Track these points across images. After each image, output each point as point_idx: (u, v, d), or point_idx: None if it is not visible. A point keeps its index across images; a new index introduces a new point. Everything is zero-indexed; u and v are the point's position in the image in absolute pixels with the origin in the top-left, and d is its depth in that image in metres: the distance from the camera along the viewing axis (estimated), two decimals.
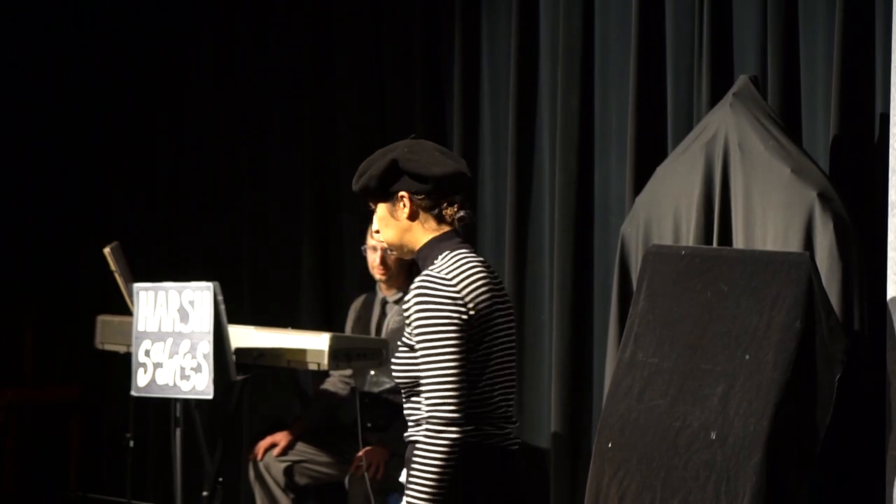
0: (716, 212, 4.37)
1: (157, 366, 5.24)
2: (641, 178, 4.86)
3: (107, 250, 4.92)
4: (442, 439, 3.24)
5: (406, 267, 5.54)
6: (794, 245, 4.11)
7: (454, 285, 3.29)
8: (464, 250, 3.37)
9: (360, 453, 5.18)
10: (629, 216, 4.70)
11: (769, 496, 3.72)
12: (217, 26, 6.60)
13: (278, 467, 5.40)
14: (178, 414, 5.21)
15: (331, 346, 4.75)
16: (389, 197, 3.42)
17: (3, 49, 6.94)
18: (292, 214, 6.29)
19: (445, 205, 3.41)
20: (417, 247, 3.43)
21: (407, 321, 3.33)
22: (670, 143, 4.97)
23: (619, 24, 5.21)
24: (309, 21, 6.24)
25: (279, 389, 6.21)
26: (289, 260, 6.29)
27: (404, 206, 3.41)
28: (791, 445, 3.77)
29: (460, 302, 3.28)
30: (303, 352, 4.80)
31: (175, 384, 5.07)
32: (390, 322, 5.52)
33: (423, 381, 3.28)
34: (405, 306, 3.33)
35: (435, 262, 3.36)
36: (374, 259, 5.49)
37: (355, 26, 6.10)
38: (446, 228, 3.41)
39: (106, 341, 5.54)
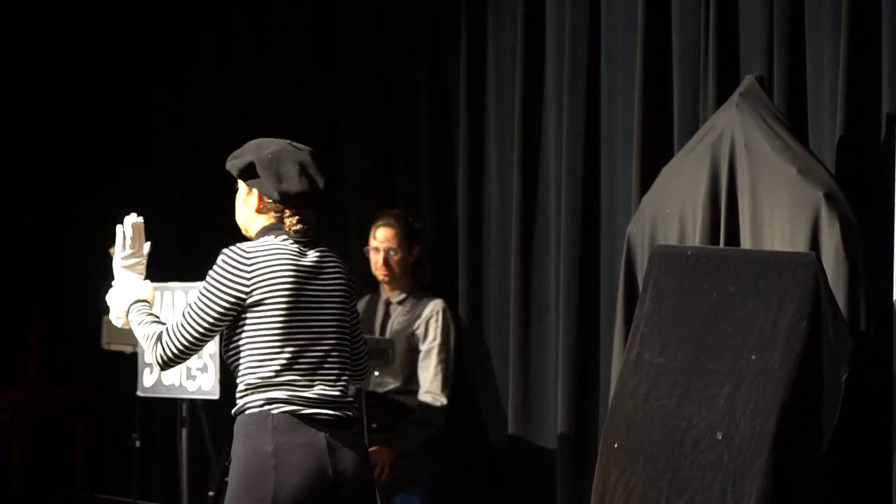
0: (722, 212, 4.37)
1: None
2: (647, 179, 4.86)
3: (112, 250, 4.91)
4: (156, 354, 3.73)
5: (409, 268, 5.55)
6: (801, 245, 4.11)
7: (246, 255, 3.71)
8: (284, 238, 3.77)
9: None
10: (635, 216, 4.69)
11: (775, 496, 3.72)
12: (217, 26, 6.61)
13: None
14: (184, 414, 5.22)
15: None
16: (246, 183, 3.83)
17: (2, 49, 6.94)
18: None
19: (289, 214, 3.79)
20: (251, 235, 3.86)
21: None
22: (676, 144, 4.97)
23: (625, 25, 5.21)
24: (309, 20, 6.24)
25: None
26: None
27: (254, 199, 3.82)
28: (797, 446, 3.77)
29: (246, 271, 3.69)
30: None
31: (181, 384, 5.07)
32: (394, 323, 5.52)
33: (183, 313, 3.74)
34: None
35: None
36: (377, 260, 5.50)
37: (358, 25, 6.10)
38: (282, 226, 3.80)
39: (112, 341, 5.54)
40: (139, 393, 5.59)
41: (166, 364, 3.76)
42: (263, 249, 3.74)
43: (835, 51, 4.59)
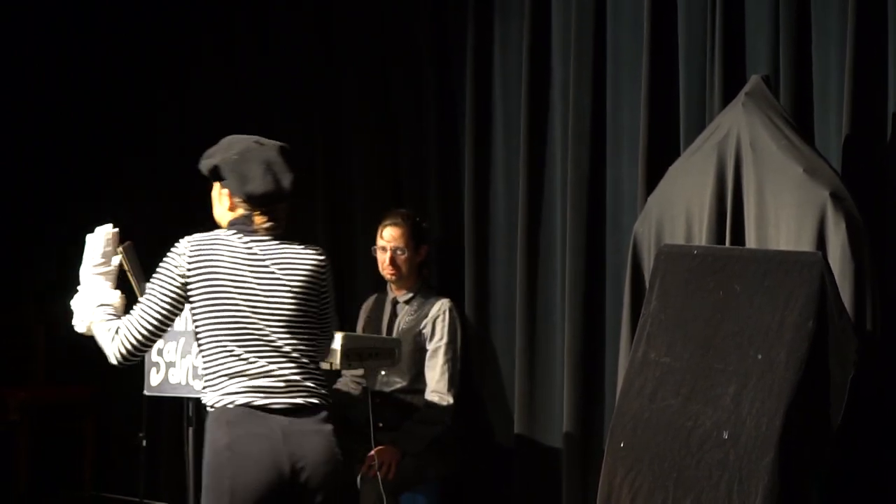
0: (728, 211, 4.37)
1: (169, 365, 5.26)
2: (653, 178, 4.86)
3: (119, 249, 4.92)
4: (114, 349, 3.83)
5: (416, 268, 5.55)
6: (807, 244, 4.11)
7: (189, 244, 3.85)
8: (234, 232, 3.87)
9: (372, 453, 5.18)
10: (641, 216, 4.70)
11: (782, 495, 3.72)
12: (218, 25, 6.61)
13: None
14: (190, 413, 5.21)
15: (343, 346, 4.75)
16: (217, 181, 3.95)
17: (3, 49, 6.95)
18: (303, 216, 6.29)
19: (258, 212, 3.91)
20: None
21: None
22: (682, 143, 4.97)
23: (632, 24, 5.21)
24: (312, 19, 6.24)
25: None
26: None
27: (225, 197, 3.93)
28: (803, 445, 3.77)
29: (185, 260, 3.82)
30: None
31: (187, 383, 5.07)
32: (401, 322, 5.52)
33: (135, 308, 3.84)
34: None
35: None
36: (384, 260, 5.50)
37: (362, 23, 6.10)
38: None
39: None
40: (146, 392, 5.59)
41: (125, 358, 3.85)
42: (208, 241, 3.86)
43: (841, 50, 4.59)
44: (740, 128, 4.36)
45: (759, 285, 3.93)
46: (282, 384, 3.76)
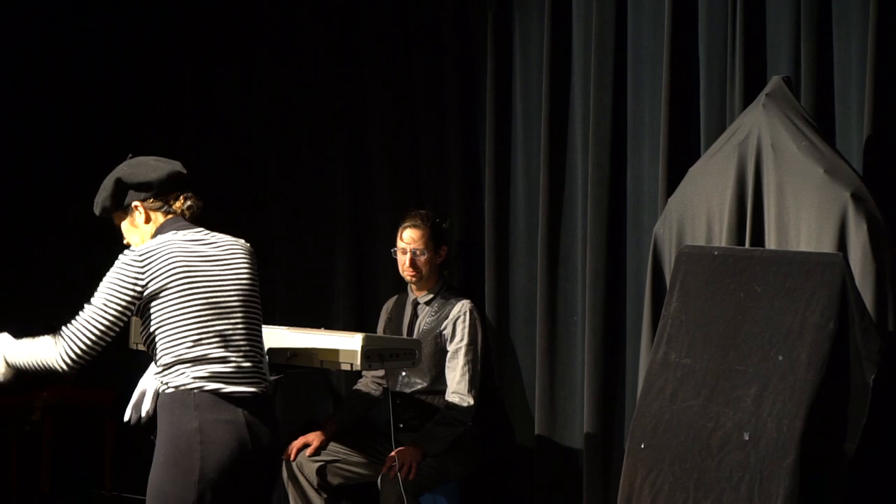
0: (748, 212, 4.36)
1: None
2: (674, 178, 4.85)
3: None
4: (59, 355, 3.93)
5: (436, 269, 5.55)
6: (828, 245, 4.10)
7: (139, 255, 3.92)
8: (175, 232, 3.99)
9: (393, 453, 5.19)
10: (662, 216, 4.69)
11: (802, 497, 3.71)
12: (241, 27, 6.62)
13: (311, 467, 5.42)
14: None
15: (363, 347, 4.76)
16: (126, 210, 4.09)
17: (24, 52, 6.98)
18: (325, 216, 6.31)
19: (172, 200, 4.08)
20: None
21: None
22: (703, 144, 4.97)
23: (652, 24, 5.21)
24: (336, 21, 6.25)
25: (312, 390, 6.23)
26: (321, 261, 6.31)
27: (140, 213, 4.07)
28: (824, 446, 3.76)
29: (139, 272, 3.90)
30: (335, 352, 4.80)
31: None
32: (422, 323, 5.53)
33: (79, 316, 3.92)
34: None
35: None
36: (404, 261, 5.51)
37: (384, 25, 6.11)
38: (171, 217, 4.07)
39: (139, 341, 5.56)
40: None
41: (74, 361, 3.94)
42: (156, 247, 3.95)
43: (862, 51, 4.58)
44: (761, 129, 4.36)
45: (780, 286, 3.93)
46: (242, 368, 3.97)
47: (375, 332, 5.62)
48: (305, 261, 6.37)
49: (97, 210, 4.12)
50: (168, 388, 3.93)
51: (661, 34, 5.14)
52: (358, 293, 6.22)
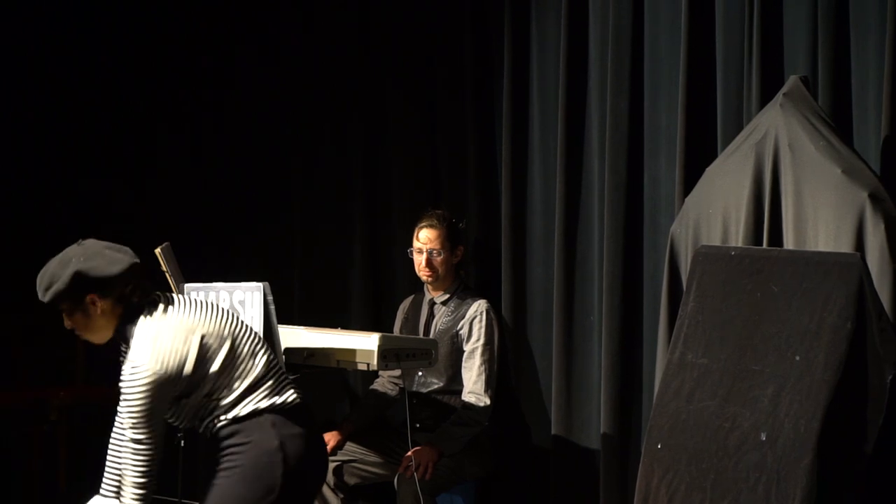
0: (766, 212, 4.35)
1: None
2: (691, 179, 4.85)
3: (158, 251, 4.96)
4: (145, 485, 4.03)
5: (453, 269, 5.55)
6: (845, 246, 4.09)
7: (156, 362, 3.91)
8: (147, 313, 3.97)
9: (409, 453, 5.19)
10: (679, 216, 4.69)
11: (820, 498, 3.71)
12: (260, 25, 6.63)
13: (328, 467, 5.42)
14: None
15: (380, 347, 4.76)
16: (80, 303, 3.98)
17: (36, 43, 6.99)
18: (342, 216, 6.32)
19: (128, 292, 3.98)
20: (112, 332, 4.04)
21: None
22: (720, 144, 4.96)
23: (669, 25, 5.20)
24: (354, 21, 6.26)
25: (329, 390, 6.24)
26: (338, 261, 6.32)
27: (95, 307, 3.97)
28: (842, 447, 3.76)
29: (164, 370, 3.91)
30: (352, 352, 4.81)
31: None
32: (438, 323, 5.53)
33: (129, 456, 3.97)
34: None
35: (136, 333, 3.97)
36: (420, 261, 5.51)
37: (402, 25, 6.11)
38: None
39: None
40: None
41: (152, 476, 4.01)
42: (163, 337, 3.95)
43: (879, 50, 4.57)
44: (778, 129, 4.35)
45: (797, 287, 3.92)
46: (283, 380, 4.18)
47: (392, 332, 5.62)
48: (322, 261, 6.38)
49: (46, 297, 3.97)
50: (237, 417, 4.03)
51: (677, 35, 5.13)
52: (375, 293, 6.22)
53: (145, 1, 6.99)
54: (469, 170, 5.89)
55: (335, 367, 4.92)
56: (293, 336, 4.98)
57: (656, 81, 5.26)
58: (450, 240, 5.50)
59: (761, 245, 4.34)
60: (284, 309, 4.94)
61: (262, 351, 4.12)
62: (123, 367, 3.97)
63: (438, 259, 5.49)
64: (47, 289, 3.97)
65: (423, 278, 5.55)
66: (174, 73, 6.91)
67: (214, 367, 3.99)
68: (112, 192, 7.07)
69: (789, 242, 4.29)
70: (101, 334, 4.09)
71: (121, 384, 3.96)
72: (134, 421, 3.92)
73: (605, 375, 5.30)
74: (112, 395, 6.83)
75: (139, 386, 3.91)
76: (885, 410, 3.76)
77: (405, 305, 5.73)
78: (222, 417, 4.04)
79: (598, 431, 5.37)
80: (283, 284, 5.80)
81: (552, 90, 5.59)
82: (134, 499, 3.95)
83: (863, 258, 3.88)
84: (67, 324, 4.07)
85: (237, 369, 4.03)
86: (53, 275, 3.96)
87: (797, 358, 3.84)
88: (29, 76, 6.99)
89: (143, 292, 4.03)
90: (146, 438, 3.93)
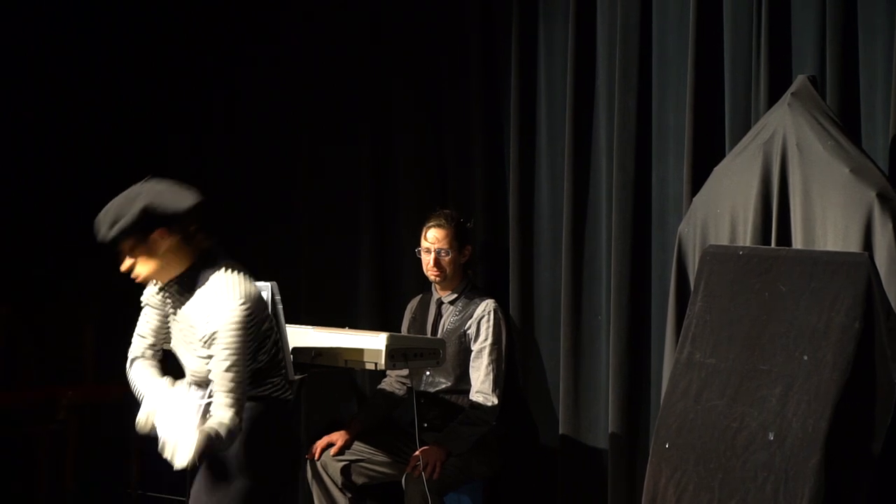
0: (774, 212, 4.35)
1: None
2: (699, 178, 4.85)
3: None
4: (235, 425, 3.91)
5: (461, 269, 5.56)
6: (853, 245, 4.09)
7: (252, 301, 3.87)
8: (230, 266, 3.93)
9: (417, 453, 5.20)
10: (686, 216, 4.69)
11: (828, 497, 3.70)
12: (267, 26, 6.64)
13: (335, 466, 5.42)
14: None
15: (388, 346, 4.76)
16: (145, 239, 3.90)
17: (36, 43, 7.01)
18: (350, 215, 6.32)
19: (193, 231, 3.94)
20: (177, 273, 3.97)
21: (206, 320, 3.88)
22: (728, 143, 4.96)
23: (677, 25, 5.21)
24: (362, 20, 6.27)
25: (336, 389, 6.24)
26: (346, 261, 6.32)
27: (161, 243, 3.90)
28: (850, 446, 3.75)
29: (255, 317, 3.88)
30: (360, 351, 4.81)
31: None
32: (446, 322, 5.53)
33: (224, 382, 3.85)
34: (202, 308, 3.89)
35: (215, 279, 3.90)
36: (428, 261, 5.51)
37: (409, 25, 6.12)
38: (197, 251, 3.96)
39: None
40: None
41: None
42: (250, 297, 3.91)
43: (887, 50, 4.57)
44: (786, 128, 4.35)
45: (805, 286, 3.92)
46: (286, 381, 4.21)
47: (400, 332, 5.63)
48: (330, 260, 6.38)
49: (111, 233, 3.88)
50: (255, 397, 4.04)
51: (685, 34, 5.14)
52: (382, 293, 6.23)
53: (148, 1, 7.00)
54: (477, 169, 5.90)
55: (343, 367, 4.92)
56: (301, 335, 4.98)
57: (664, 81, 5.26)
58: (457, 239, 5.51)
59: (769, 245, 4.34)
60: (292, 308, 4.95)
61: (278, 347, 4.12)
62: (209, 316, 3.89)
63: (446, 259, 5.49)
64: (112, 224, 3.87)
65: (431, 278, 5.56)
66: (179, 73, 6.92)
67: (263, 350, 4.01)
68: (115, 192, 7.06)
69: (797, 242, 4.28)
70: (162, 273, 3.98)
71: (212, 330, 3.88)
72: (233, 361, 3.83)
73: (612, 375, 5.30)
74: (121, 395, 6.87)
75: (237, 323, 3.84)
76: (894, 410, 3.76)
77: (413, 305, 5.73)
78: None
79: (605, 431, 5.37)
80: (290, 284, 5.79)
81: (560, 90, 5.59)
82: (231, 418, 3.85)
83: (871, 257, 3.88)
84: (125, 265, 3.98)
85: (270, 358, 4.06)
86: (120, 210, 3.88)
87: (805, 357, 3.83)
88: (29, 76, 7.00)
89: (207, 235, 4.00)
90: (239, 379, 3.84)
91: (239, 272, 3.95)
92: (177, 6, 6.93)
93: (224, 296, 3.87)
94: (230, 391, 3.84)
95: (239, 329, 3.84)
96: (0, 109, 6.90)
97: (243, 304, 3.86)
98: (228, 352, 3.84)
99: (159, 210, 3.88)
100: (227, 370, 3.84)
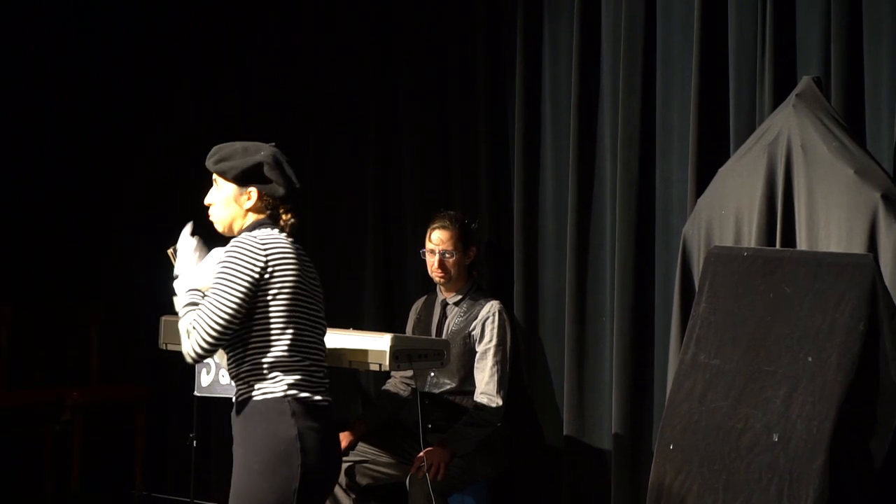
0: (778, 213, 4.35)
1: (220, 366, 5.29)
2: (703, 179, 4.85)
3: (170, 251, 4.96)
4: (189, 349, 3.88)
5: (465, 270, 5.56)
6: (858, 246, 4.09)
7: (262, 246, 3.87)
8: (277, 234, 3.95)
9: (421, 454, 5.20)
10: (691, 217, 4.69)
11: (832, 499, 3.70)
12: (276, 23, 6.64)
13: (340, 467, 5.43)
14: None
15: (392, 347, 4.76)
16: (240, 184, 3.99)
17: (36, 43, 7.02)
18: (355, 216, 6.32)
19: (282, 210, 4.02)
20: (238, 227, 4.02)
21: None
22: (732, 144, 4.96)
23: (682, 25, 5.21)
24: (369, 21, 6.27)
25: (341, 390, 6.24)
26: (351, 261, 6.32)
27: (250, 199, 3.99)
28: (854, 448, 3.75)
29: (261, 257, 3.85)
30: (364, 352, 4.81)
31: None
32: (451, 323, 5.53)
33: (202, 306, 3.84)
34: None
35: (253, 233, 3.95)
36: (432, 262, 5.51)
37: (416, 25, 6.12)
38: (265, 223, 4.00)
39: (169, 341, 5.58)
40: (196, 393, 5.64)
41: (199, 357, 3.89)
42: (273, 240, 3.92)
43: (892, 51, 4.57)
44: (791, 129, 4.35)
45: (809, 287, 3.92)
46: (323, 380, 4.00)
47: (404, 333, 5.63)
48: (335, 261, 6.38)
49: (217, 166, 4.00)
50: (260, 393, 3.91)
51: (690, 34, 5.13)
52: (387, 294, 6.23)
53: (150, 1, 7.01)
54: (481, 170, 5.90)
55: (347, 368, 4.92)
56: None
57: (669, 81, 5.26)
58: (462, 241, 5.51)
59: (774, 246, 4.34)
60: None
61: (320, 343, 4.03)
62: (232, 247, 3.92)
63: (451, 260, 5.49)
64: (223, 160, 4.00)
65: (436, 279, 5.56)
66: (181, 73, 6.92)
67: (288, 302, 3.91)
68: (119, 193, 7.08)
69: (802, 243, 4.28)
70: (230, 223, 4.03)
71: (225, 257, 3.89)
72: (217, 282, 3.84)
73: (616, 376, 5.30)
74: (126, 395, 6.90)
75: (237, 248, 3.87)
76: None
77: (418, 306, 5.74)
78: (246, 371, 3.94)
79: (609, 432, 5.37)
80: None
81: (564, 90, 5.59)
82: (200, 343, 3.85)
83: (875, 259, 3.88)
84: (209, 199, 4.07)
85: (292, 335, 3.91)
86: (236, 153, 3.99)
87: (809, 359, 3.83)
88: (30, 77, 7.01)
89: (293, 227, 4.04)
90: (220, 300, 3.83)
91: (281, 235, 3.97)
92: (180, 5, 6.94)
93: (249, 235, 3.95)
94: (204, 312, 3.85)
95: (240, 256, 3.86)
96: (2, 110, 6.91)
97: (259, 240, 3.89)
98: (220, 274, 3.88)
99: (269, 175, 3.97)
100: (213, 292, 3.86)
